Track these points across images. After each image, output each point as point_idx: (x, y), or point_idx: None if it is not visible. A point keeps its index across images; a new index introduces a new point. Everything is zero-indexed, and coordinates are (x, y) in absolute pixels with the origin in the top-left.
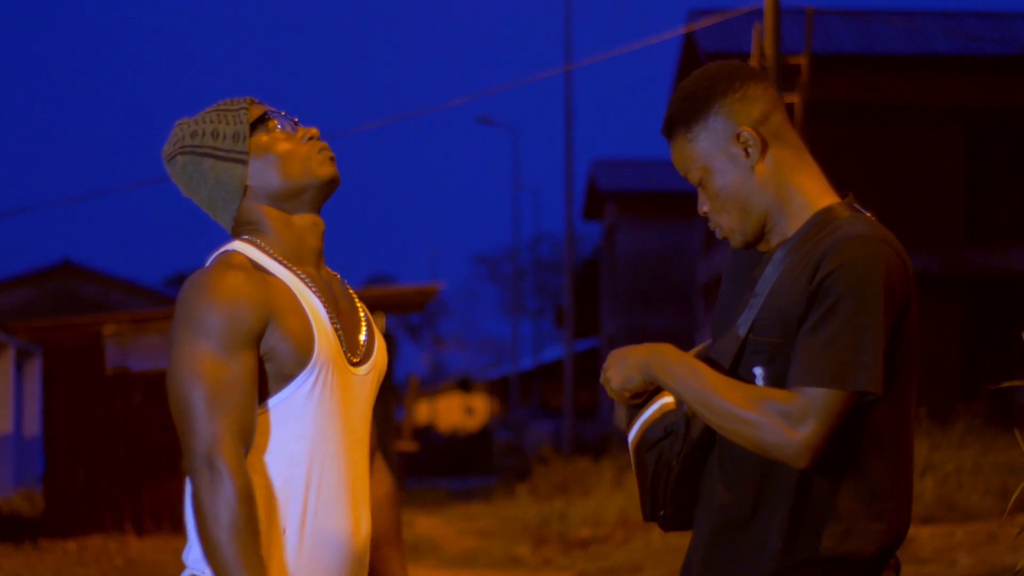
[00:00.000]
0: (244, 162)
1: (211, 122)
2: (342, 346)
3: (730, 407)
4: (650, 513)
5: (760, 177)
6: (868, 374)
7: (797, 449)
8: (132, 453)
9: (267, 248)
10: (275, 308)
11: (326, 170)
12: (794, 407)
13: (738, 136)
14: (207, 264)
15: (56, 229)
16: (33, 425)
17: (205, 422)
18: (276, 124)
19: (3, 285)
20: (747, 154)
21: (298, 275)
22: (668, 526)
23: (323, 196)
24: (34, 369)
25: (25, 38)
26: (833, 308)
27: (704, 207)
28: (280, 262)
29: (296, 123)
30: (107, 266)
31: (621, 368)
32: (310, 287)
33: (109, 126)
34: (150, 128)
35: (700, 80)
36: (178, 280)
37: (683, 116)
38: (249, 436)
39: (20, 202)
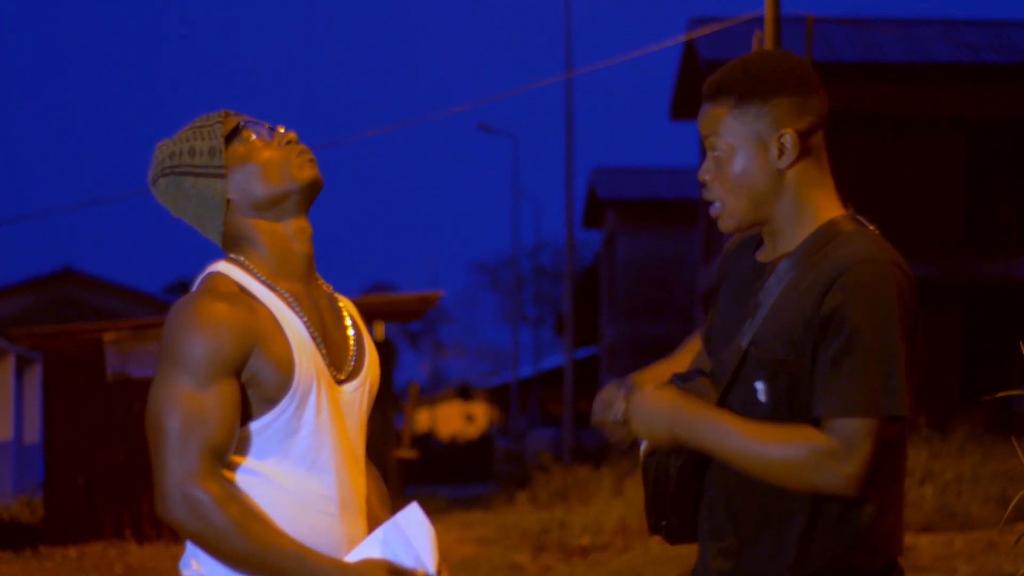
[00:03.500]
0: (222, 176)
1: (187, 140)
2: (327, 365)
3: (771, 455)
4: (653, 524)
5: (783, 181)
6: (898, 398)
7: (848, 482)
8: (132, 460)
9: (253, 268)
10: (259, 335)
11: (306, 173)
12: (836, 443)
13: (781, 136)
14: (194, 289)
15: (57, 236)
16: (33, 432)
17: (177, 456)
18: (252, 134)
19: (3, 292)
20: (780, 155)
21: (283, 296)
22: (672, 538)
23: (307, 200)
24: (34, 376)
25: (26, 46)
26: (853, 337)
27: (707, 176)
28: (265, 283)
29: (272, 129)
30: (107, 273)
31: (646, 425)
32: (294, 308)
33: (110, 133)
34: (151, 135)
35: (773, 66)
36: (178, 287)
37: (739, 90)
38: (224, 456)
39: (21, 209)
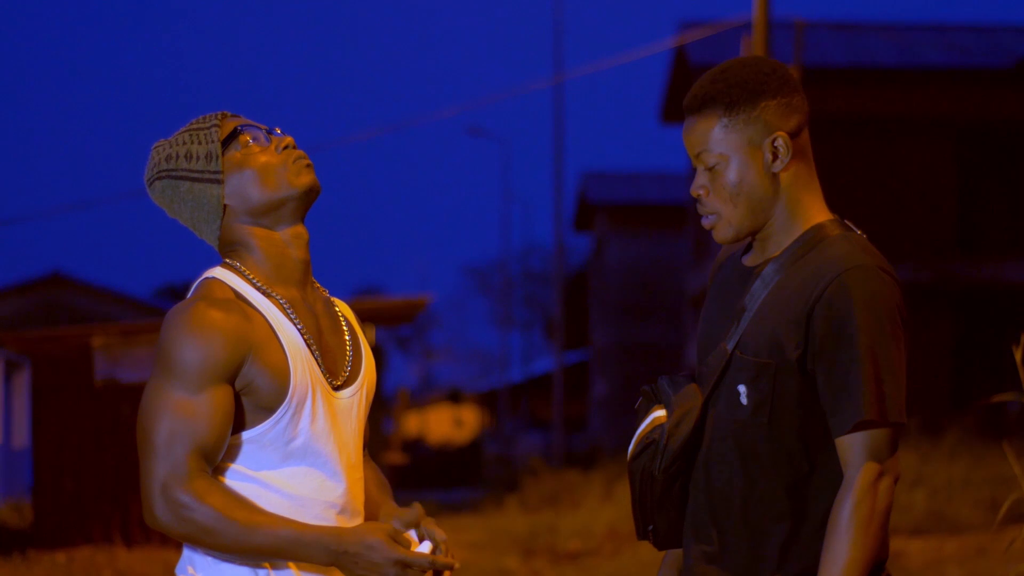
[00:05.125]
0: (219, 181)
1: (184, 143)
2: (323, 373)
3: (869, 539)
4: (640, 529)
5: (778, 185)
6: (899, 405)
7: (891, 488)
8: (121, 465)
9: (248, 274)
10: (254, 343)
11: (304, 179)
12: (866, 472)
13: (774, 139)
14: (189, 295)
15: (46, 240)
16: (22, 436)
17: (162, 461)
18: (249, 138)
19: None
20: (774, 160)
21: (279, 302)
22: (660, 543)
23: (304, 206)
24: (23, 380)
25: (17, 49)
26: (852, 347)
27: (701, 190)
28: (261, 289)
29: (269, 133)
30: (97, 277)
31: None
32: (290, 315)
33: (99, 137)
34: (140, 139)
35: (754, 70)
36: (168, 291)
37: (727, 100)
38: (212, 460)
39: (9, 213)
